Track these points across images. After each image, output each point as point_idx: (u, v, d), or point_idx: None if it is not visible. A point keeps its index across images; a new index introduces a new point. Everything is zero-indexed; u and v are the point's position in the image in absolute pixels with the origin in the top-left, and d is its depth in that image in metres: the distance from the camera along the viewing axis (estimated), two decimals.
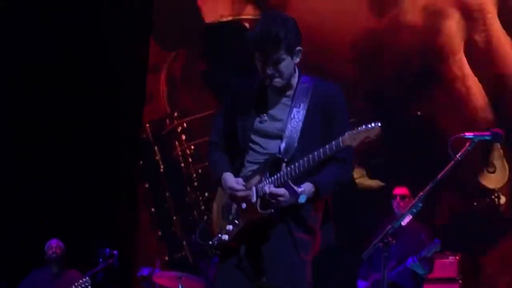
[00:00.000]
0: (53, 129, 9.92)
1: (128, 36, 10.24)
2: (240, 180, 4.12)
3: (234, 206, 4.17)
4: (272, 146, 4.15)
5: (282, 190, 3.98)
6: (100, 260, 8.56)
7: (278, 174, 4.04)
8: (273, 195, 3.99)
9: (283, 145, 4.10)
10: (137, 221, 10.49)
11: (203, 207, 10.00)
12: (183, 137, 10.42)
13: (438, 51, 9.11)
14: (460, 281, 7.86)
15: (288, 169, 4.02)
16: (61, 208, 9.75)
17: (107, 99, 10.10)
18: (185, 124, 10.43)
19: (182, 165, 10.39)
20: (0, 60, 9.81)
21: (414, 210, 4.15)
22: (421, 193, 4.16)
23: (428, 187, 4.14)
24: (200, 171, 10.17)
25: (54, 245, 8.90)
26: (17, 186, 9.82)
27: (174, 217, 10.35)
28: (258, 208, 4.06)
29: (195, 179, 10.25)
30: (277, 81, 4.11)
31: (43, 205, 9.80)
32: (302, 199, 4.00)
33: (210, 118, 9.42)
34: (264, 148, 4.17)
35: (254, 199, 4.07)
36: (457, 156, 4.12)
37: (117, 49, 10.14)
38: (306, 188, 4.03)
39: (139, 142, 10.64)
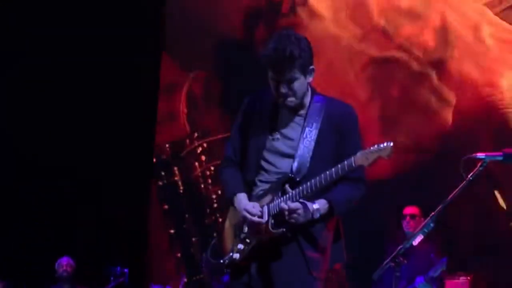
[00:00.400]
0: (65, 145, 9.98)
1: (137, 46, 10.29)
2: (257, 205, 4.11)
3: (246, 225, 4.17)
4: (284, 165, 4.15)
5: (298, 205, 3.97)
6: (111, 278, 8.57)
7: (291, 193, 4.04)
8: (291, 211, 3.98)
9: (295, 165, 4.10)
10: (149, 239, 10.49)
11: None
12: (203, 158, 10.38)
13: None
14: None
15: (301, 188, 4.02)
16: (72, 226, 9.78)
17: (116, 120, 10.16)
18: (205, 145, 10.40)
19: (202, 186, 10.35)
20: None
21: (426, 230, 4.14)
22: (433, 213, 4.15)
23: (439, 207, 4.14)
24: (220, 192, 10.11)
25: (64, 263, 8.93)
26: (22, 195, 9.86)
27: (193, 239, 10.31)
28: (270, 227, 4.06)
29: (215, 200, 10.21)
30: (291, 100, 4.11)
31: (53, 222, 9.82)
32: (316, 215, 4.01)
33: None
34: (276, 167, 4.17)
35: (265, 218, 4.07)
36: (468, 176, 4.12)
37: (126, 60, 10.20)
38: (320, 204, 4.03)
39: (153, 162, 10.65)
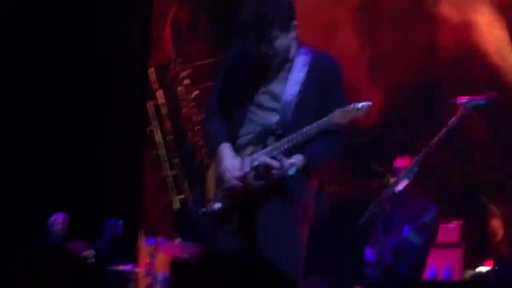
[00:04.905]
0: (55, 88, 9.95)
1: None
2: (237, 165, 4.08)
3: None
4: (267, 118, 4.14)
5: (275, 162, 3.96)
6: (106, 230, 8.60)
7: (270, 147, 4.05)
8: (267, 167, 3.96)
9: (277, 118, 4.10)
10: (142, 190, 10.54)
11: (203, 151, 10.09)
12: (187, 82, 10.45)
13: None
14: (463, 246, 7.84)
15: (280, 143, 4.02)
16: (65, 178, 9.77)
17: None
18: (189, 70, 10.46)
19: (184, 110, 10.44)
20: None
21: (410, 175, 4.16)
22: (417, 158, 4.17)
23: (423, 152, 4.16)
24: (203, 116, 10.21)
25: (59, 220, 8.94)
26: (17, 152, 9.82)
27: (176, 159, 10.45)
28: (250, 180, 4.06)
29: (198, 123, 10.28)
30: (272, 59, 4.08)
31: (48, 175, 9.81)
32: (291, 171, 4.00)
33: (214, 65, 9.74)
34: (260, 120, 4.16)
35: (247, 169, 4.07)
36: (451, 120, 4.13)
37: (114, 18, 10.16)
38: (296, 160, 4.02)
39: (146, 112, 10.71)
